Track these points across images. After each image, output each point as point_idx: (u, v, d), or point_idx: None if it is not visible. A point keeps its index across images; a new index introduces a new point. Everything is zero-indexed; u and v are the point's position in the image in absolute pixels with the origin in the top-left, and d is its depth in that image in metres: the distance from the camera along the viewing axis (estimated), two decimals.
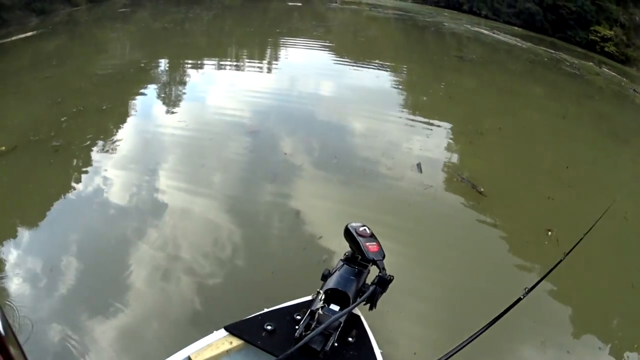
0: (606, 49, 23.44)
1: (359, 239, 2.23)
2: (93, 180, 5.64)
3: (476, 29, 22.16)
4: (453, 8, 28.96)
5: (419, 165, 6.32)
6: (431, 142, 7.38)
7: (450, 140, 7.63)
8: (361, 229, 2.28)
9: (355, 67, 12.65)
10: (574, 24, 24.77)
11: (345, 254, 2.35)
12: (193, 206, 5.25)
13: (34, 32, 14.86)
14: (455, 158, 7.04)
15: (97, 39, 14.73)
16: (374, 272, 2.23)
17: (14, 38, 14.05)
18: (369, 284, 2.18)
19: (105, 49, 13.21)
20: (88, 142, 6.50)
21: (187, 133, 7.16)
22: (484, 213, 5.47)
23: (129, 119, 7.67)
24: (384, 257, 2.21)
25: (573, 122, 9.98)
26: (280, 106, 8.76)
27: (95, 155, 6.25)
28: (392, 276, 2.13)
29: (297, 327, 2.04)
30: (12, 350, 0.82)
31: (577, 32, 24.79)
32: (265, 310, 2.22)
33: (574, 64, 17.66)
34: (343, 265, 2.29)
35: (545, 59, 17.41)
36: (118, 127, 7.29)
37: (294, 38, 16.09)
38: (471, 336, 1.79)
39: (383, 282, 2.11)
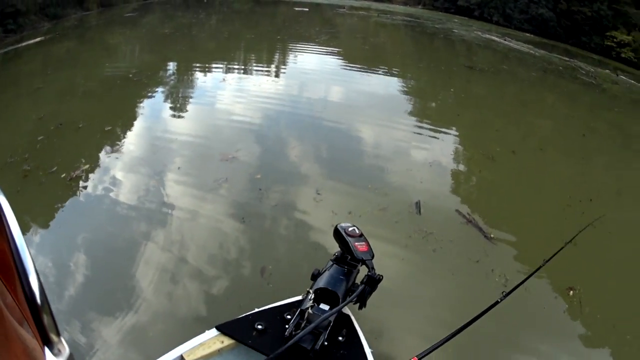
0: (623, 55, 22.96)
1: (348, 238, 2.25)
2: (41, 223, 4.97)
3: (487, 36, 21.39)
4: (463, 14, 28.32)
5: (417, 205, 5.32)
6: (435, 171, 6.45)
7: (458, 168, 6.68)
8: (350, 229, 2.30)
9: (361, 75, 11.97)
10: (589, 30, 24.07)
11: (334, 254, 2.36)
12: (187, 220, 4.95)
13: (44, 37, 15.29)
14: (462, 191, 6.09)
15: (102, 44, 14.75)
16: (363, 272, 2.25)
17: (25, 43, 14.45)
18: (359, 283, 2.18)
19: (108, 55, 13.12)
20: (54, 168, 5.85)
21: (179, 143, 6.72)
22: (493, 267, 4.51)
23: (101, 140, 6.94)
24: (373, 256, 2.24)
25: (593, 141, 9.04)
26: (279, 113, 8.24)
27: (57, 186, 5.57)
28: (381, 275, 2.18)
29: (287, 326, 2.07)
30: (46, 320, 0.87)
31: (591, 38, 24.12)
32: (256, 310, 2.23)
33: (590, 72, 16.87)
34: (332, 265, 2.30)
35: (560, 68, 16.55)
36: (87, 151, 6.58)
37: (301, 43, 15.62)
38: (450, 334, 1.91)
39: (372, 281, 2.15)
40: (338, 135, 7.48)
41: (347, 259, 2.32)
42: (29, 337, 0.83)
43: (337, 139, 7.32)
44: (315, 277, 2.30)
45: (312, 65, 12.49)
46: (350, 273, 2.27)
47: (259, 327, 2.09)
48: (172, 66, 11.74)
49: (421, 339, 3.48)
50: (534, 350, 3.71)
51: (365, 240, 2.29)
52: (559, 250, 2.71)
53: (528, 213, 5.75)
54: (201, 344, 2.03)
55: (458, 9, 29.07)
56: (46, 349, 0.85)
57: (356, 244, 2.24)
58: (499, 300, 2.19)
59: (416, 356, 1.81)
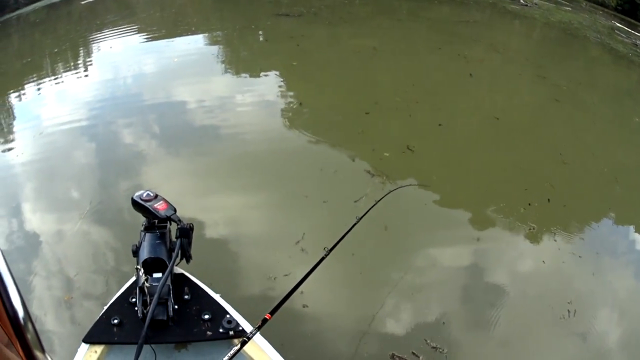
0: None
1: (146, 204, 2.28)
2: None
3: None
4: None
5: None
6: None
7: None
8: (145, 195, 2.32)
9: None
10: None
11: (143, 224, 2.36)
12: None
13: None
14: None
15: None
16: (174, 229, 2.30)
17: None
18: (175, 239, 2.26)
19: None
20: None
21: None
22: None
23: None
24: (175, 210, 2.30)
25: None
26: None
27: None
28: (192, 224, 2.29)
29: (136, 308, 2.12)
30: (30, 338, 0.87)
31: None
32: (105, 307, 2.24)
33: None
34: (145, 234, 2.31)
35: None
36: None
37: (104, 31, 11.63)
38: (285, 296, 2.12)
39: (185, 232, 2.25)
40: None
41: (155, 224, 2.33)
42: (14, 356, 0.85)
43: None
44: (135, 252, 2.27)
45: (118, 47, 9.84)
46: (163, 235, 2.30)
47: (115, 321, 2.12)
48: None
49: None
50: None
51: (163, 199, 2.32)
52: (370, 209, 2.96)
53: None
54: None
55: None
56: None
57: (155, 205, 2.26)
58: (324, 256, 2.39)
59: (269, 313, 1.99)
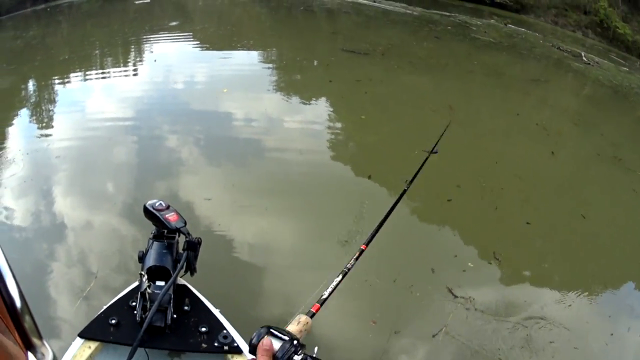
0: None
1: (158, 213, 2.26)
2: None
3: None
4: None
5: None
6: None
7: None
8: (157, 204, 2.30)
9: None
10: None
11: (152, 232, 2.38)
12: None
13: None
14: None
15: None
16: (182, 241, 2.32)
17: None
18: (182, 251, 2.28)
19: None
20: None
21: None
22: None
23: None
24: (185, 223, 2.29)
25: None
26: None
27: None
28: (200, 238, 2.30)
29: (135, 312, 2.14)
30: (28, 325, 0.87)
31: None
32: (104, 307, 2.27)
33: (479, 26, 14.43)
34: (153, 242, 2.33)
35: (449, 27, 13.87)
36: None
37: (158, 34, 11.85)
38: (371, 235, 2.17)
39: (192, 245, 2.27)
40: None
41: (164, 233, 2.34)
42: (11, 343, 0.83)
43: None
44: (141, 258, 2.29)
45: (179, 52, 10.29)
46: (171, 245, 2.31)
47: (113, 321, 2.15)
48: None
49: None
50: None
51: (174, 210, 2.31)
52: (441, 135, 3.23)
53: None
54: (74, 356, 2.05)
55: None
56: (29, 354, 0.85)
57: (167, 216, 2.25)
58: (406, 188, 2.53)
59: (318, 303, 1.79)
